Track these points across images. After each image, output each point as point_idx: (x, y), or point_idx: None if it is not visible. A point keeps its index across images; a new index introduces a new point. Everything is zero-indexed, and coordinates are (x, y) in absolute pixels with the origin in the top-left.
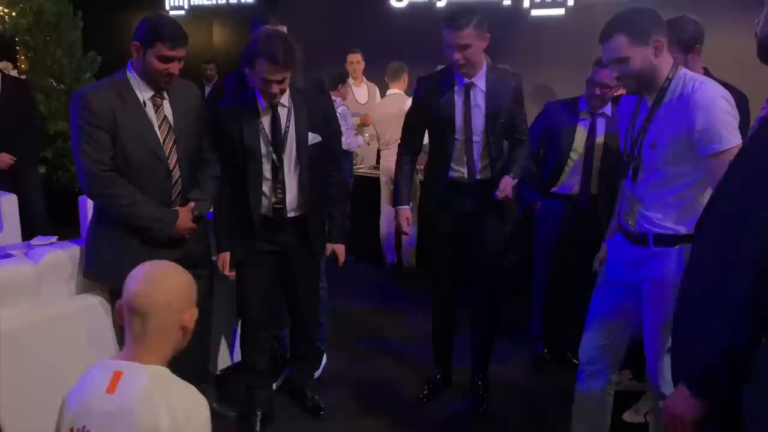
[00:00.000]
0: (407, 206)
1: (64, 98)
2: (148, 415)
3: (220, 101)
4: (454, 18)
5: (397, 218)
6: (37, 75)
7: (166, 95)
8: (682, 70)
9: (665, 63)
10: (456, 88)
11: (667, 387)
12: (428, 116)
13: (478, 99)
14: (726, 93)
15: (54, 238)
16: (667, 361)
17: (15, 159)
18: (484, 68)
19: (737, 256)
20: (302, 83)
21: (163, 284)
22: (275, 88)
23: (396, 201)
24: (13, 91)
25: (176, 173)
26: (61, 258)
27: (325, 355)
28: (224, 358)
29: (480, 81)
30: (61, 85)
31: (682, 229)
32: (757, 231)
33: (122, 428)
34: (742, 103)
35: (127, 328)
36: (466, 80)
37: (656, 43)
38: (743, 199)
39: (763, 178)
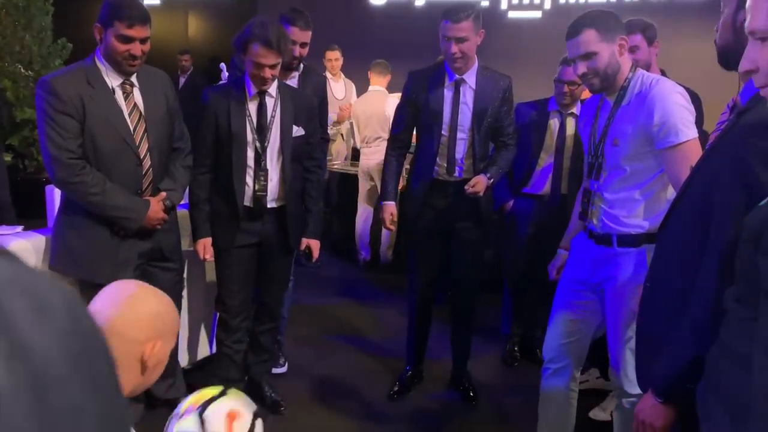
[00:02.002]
0: (392, 202)
1: (32, 85)
2: None
3: (207, 87)
4: (453, 10)
5: (382, 213)
6: (4, 60)
7: (136, 82)
8: (639, 71)
9: (626, 63)
10: (446, 83)
11: (630, 385)
12: (417, 110)
13: (467, 96)
14: (681, 90)
15: (19, 228)
16: (629, 359)
17: None
18: (476, 66)
19: (700, 262)
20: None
21: (126, 308)
22: (267, 73)
23: (382, 196)
24: None
25: (147, 162)
26: (24, 248)
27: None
28: (203, 349)
29: (470, 78)
30: (30, 72)
31: (646, 225)
32: (719, 238)
33: None
34: (694, 102)
35: None
36: (457, 76)
37: (621, 41)
38: (705, 206)
39: (725, 182)
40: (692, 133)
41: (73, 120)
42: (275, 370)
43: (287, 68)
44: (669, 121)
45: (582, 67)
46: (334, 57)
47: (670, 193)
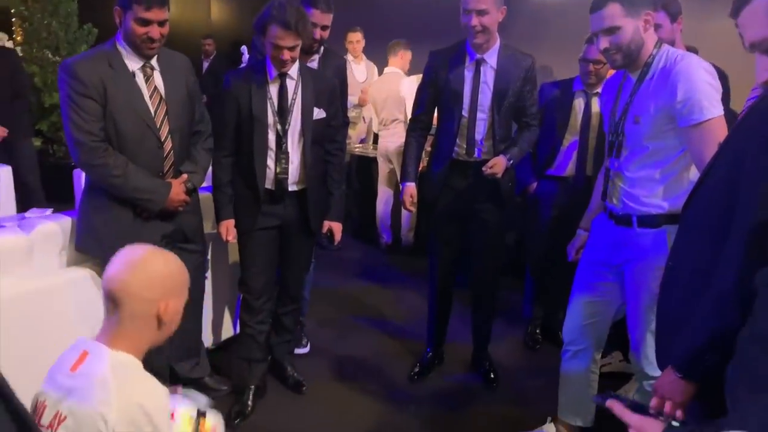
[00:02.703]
0: (412, 183)
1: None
2: (97, 400)
3: (229, 70)
4: None
5: (402, 195)
6: (32, 47)
7: (156, 66)
8: (665, 47)
9: (651, 39)
10: (467, 63)
11: (651, 367)
12: (438, 90)
13: (488, 76)
14: (707, 65)
15: (48, 211)
16: (650, 342)
17: (7, 131)
18: (497, 45)
19: (724, 242)
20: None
21: (138, 270)
22: (286, 55)
23: (402, 177)
24: (1, 61)
25: (168, 145)
26: (53, 229)
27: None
28: (227, 329)
29: (491, 58)
30: (57, 57)
31: (666, 205)
32: (745, 216)
33: (71, 406)
34: (721, 80)
35: (104, 310)
36: (478, 56)
37: (646, 17)
38: (731, 183)
39: (751, 160)
40: (717, 110)
41: (95, 103)
42: (298, 351)
43: (307, 51)
44: (693, 98)
45: (604, 42)
46: (356, 39)
47: (693, 173)
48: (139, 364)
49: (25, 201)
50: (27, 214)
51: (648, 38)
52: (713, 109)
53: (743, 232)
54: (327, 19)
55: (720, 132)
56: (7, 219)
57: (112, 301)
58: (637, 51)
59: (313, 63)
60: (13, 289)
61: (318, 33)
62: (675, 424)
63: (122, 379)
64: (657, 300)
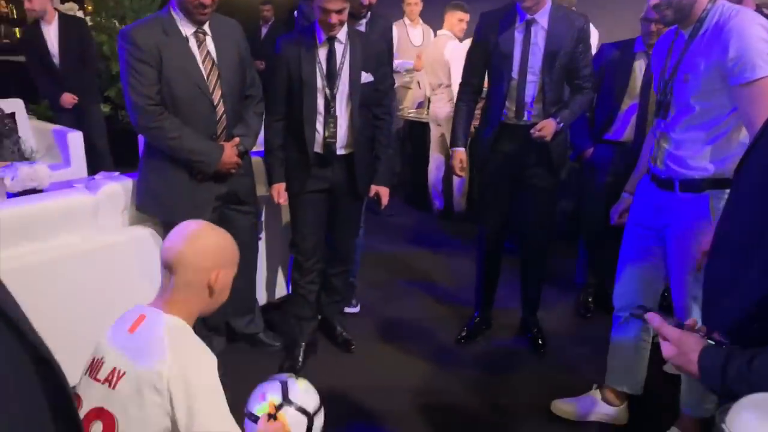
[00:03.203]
0: (462, 148)
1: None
2: (155, 359)
3: (283, 34)
4: None
5: (452, 160)
6: (101, 16)
7: (208, 31)
8: (720, 1)
9: None
10: (517, 24)
11: None
12: (488, 53)
13: (539, 37)
14: (765, 21)
15: (116, 174)
16: (694, 309)
17: (77, 98)
18: (549, 5)
19: None
20: (366, 27)
21: (193, 242)
22: (334, 18)
23: (452, 142)
24: (71, 30)
25: (220, 108)
26: (116, 190)
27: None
28: (280, 289)
29: (542, 18)
30: (124, 26)
31: (711, 168)
32: None
33: (129, 365)
34: None
35: (161, 278)
36: (528, 16)
37: None
38: None
39: None
40: None
41: (151, 68)
42: (348, 310)
43: (355, 16)
44: (745, 55)
45: None
46: (414, 1)
47: (743, 135)
48: (190, 330)
49: (95, 165)
50: (96, 177)
51: None
52: (767, 67)
53: None
54: None
55: None
56: (78, 181)
57: (168, 269)
58: (689, 6)
59: (360, 27)
60: (80, 245)
61: (335, 17)
62: (712, 342)
63: (176, 341)
64: (704, 265)
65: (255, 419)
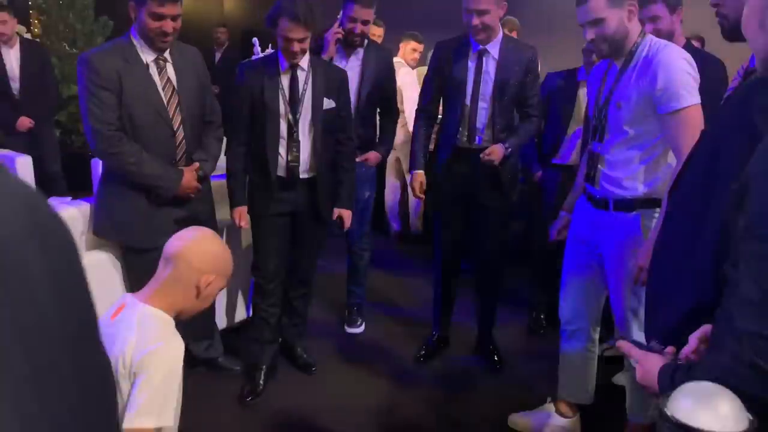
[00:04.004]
0: (421, 171)
1: (76, 62)
2: (121, 341)
3: (242, 62)
4: None
5: (411, 182)
6: (50, 39)
7: (169, 58)
8: (649, 37)
9: (635, 29)
10: (470, 53)
11: None
12: (443, 80)
13: (490, 66)
14: (688, 56)
15: (68, 199)
16: (633, 321)
17: (33, 122)
18: (500, 36)
19: (703, 223)
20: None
21: (198, 242)
22: (296, 47)
23: (411, 165)
24: (34, 56)
25: (180, 134)
26: (72, 215)
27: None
28: (240, 312)
29: (494, 49)
30: (74, 50)
31: (642, 189)
32: (724, 195)
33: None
34: (721, 72)
35: (157, 270)
36: (480, 47)
37: (630, 7)
38: (711, 166)
39: (728, 145)
40: (694, 99)
41: (111, 94)
42: (351, 330)
43: (350, 45)
44: (672, 87)
45: (591, 33)
46: (378, 33)
47: (670, 159)
48: (171, 321)
49: (47, 190)
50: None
51: (632, 28)
52: (690, 98)
53: (717, 217)
54: (368, 14)
55: (696, 120)
56: None
57: (166, 261)
58: (621, 40)
59: (358, 56)
60: None
61: (359, 27)
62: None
63: (146, 327)
64: (644, 279)
65: None
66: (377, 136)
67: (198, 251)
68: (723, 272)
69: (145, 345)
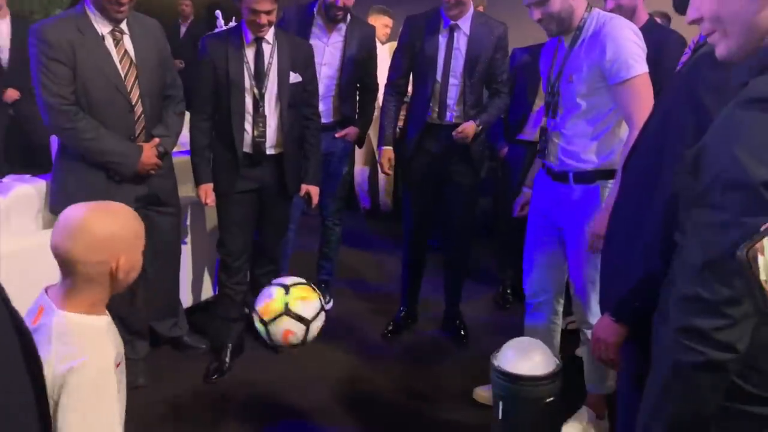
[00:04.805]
0: (389, 147)
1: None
2: (43, 352)
3: (206, 35)
4: None
5: (380, 158)
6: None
7: (126, 30)
8: (595, 11)
9: (580, 5)
10: (441, 28)
11: (593, 317)
12: (413, 55)
13: (460, 42)
14: (633, 26)
15: (27, 177)
16: (591, 292)
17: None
18: (471, 12)
19: (653, 194)
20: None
21: (81, 237)
22: (263, 19)
23: (379, 141)
24: (23, 25)
25: (139, 109)
26: (28, 192)
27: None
28: (207, 290)
29: (465, 24)
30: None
31: (599, 161)
32: (672, 168)
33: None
34: (681, 47)
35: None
36: (451, 22)
37: None
38: (659, 139)
39: (675, 118)
40: (641, 68)
41: (65, 67)
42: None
43: (333, 20)
44: (620, 57)
45: (537, 14)
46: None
47: (624, 130)
48: (93, 324)
49: (34, 163)
50: (5, 180)
51: (577, 4)
52: (638, 67)
53: (669, 183)
54: None
55: (645, 88)
56: None
57: (63, 266)
58: (568, 18)
59: (340, 31)
60: None
61: (341, 0)
62: None
63: (63, 339)
64: (600, 250)
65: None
66: (356, 113)
67: (88, 247)
68: (674, 241)
69: (63, 361)
